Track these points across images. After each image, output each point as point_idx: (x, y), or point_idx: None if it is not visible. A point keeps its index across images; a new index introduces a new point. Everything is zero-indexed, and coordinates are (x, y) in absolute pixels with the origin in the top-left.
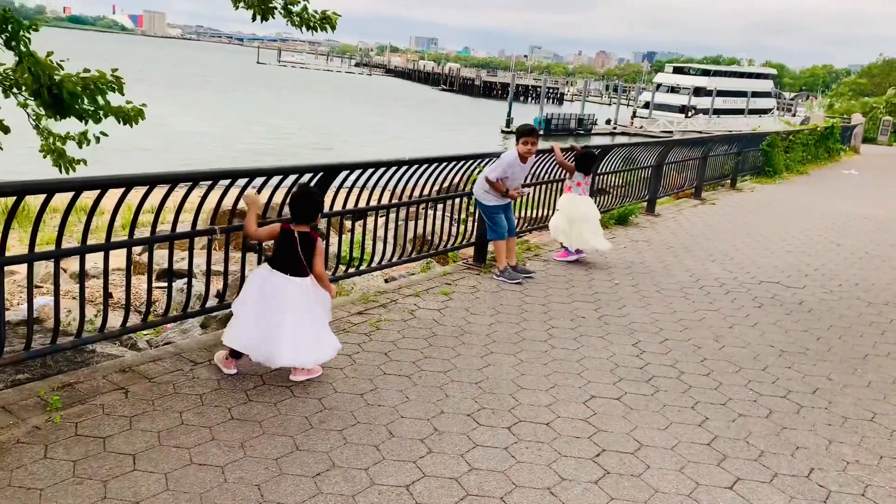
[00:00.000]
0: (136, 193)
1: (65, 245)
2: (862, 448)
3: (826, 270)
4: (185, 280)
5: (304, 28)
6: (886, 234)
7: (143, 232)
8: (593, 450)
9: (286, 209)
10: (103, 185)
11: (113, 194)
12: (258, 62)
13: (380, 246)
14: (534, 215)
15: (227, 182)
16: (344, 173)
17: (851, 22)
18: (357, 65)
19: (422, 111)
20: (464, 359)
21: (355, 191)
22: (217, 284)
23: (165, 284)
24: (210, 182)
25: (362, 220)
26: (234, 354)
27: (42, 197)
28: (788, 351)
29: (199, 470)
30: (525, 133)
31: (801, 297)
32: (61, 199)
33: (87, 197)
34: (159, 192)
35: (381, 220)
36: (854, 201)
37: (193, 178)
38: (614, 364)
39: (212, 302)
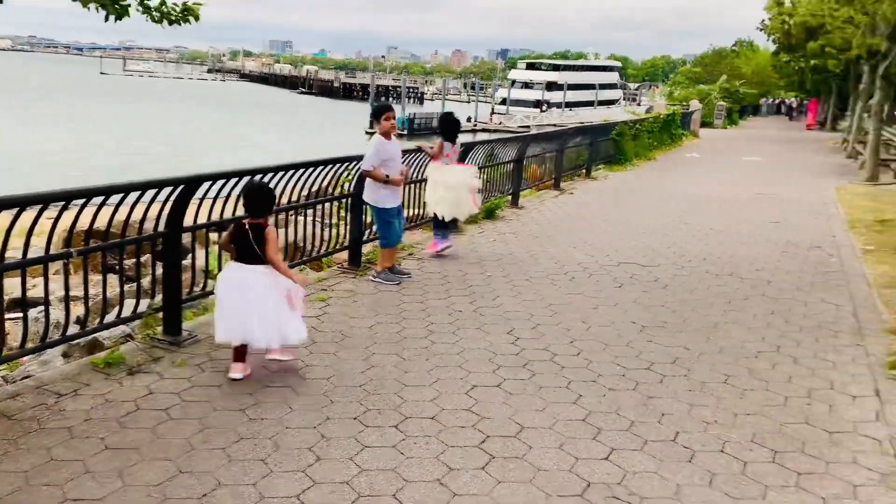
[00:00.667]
0: None
1: None
2: (719, 409)
3: (677, 248)
4: (41, 308)
5: (165, 23)
6: (727, 210)
7: None
8: (478, 437)
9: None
10: None
11: None
12: (101, 72)
13: None
14: (407, 214)
15: (80, 202)
16: (207, 184)
17: (683, 15)
18: (210, 71)
19: (282, 115)
20: (346, 363)
21: (219, 202)
22: (77, 310)
23: (20, 315)
24: (62, 203)
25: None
26: (237, 358)
27: None
28: (649, 326)
29: None
30: (384, 109)
31: (657, 275)
32: None
33: None
34: (5, 216)
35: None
36: (697, 182)
37: (43, 200)
38: (492, 353)
39: (73, 329)
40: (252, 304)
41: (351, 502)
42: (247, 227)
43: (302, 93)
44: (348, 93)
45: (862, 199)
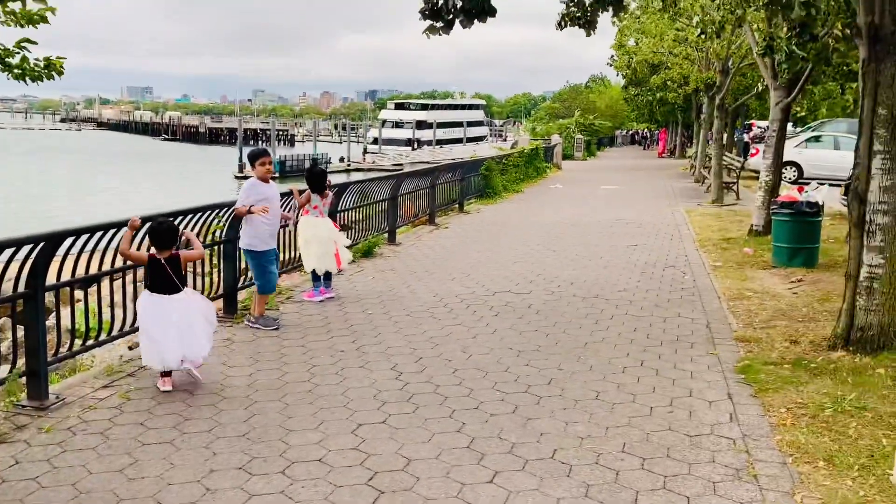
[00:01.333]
0: None
1: None
2: (592, 424)
3: (547, 275)
4: None
5: (27, 80)
6: (589, 236)
7: None
8: (366, 475)
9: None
10: None
11: None
12: None
13: (119, 312)
14: (282, 258)
15: None
16: (69, 240)
17: (537, 53)
18: (63, 120)
19: (146, 164)
20: (227, 413)
21: (84, 256)
22: None
23: None
24: None
25: (95, 287)
26: (165, 373)
27: None
28: (524, 350)
29: None
30: (259, 154)
31: (529, 301)
32: None
33: None
34: None
35: (116, 284)
36: (562, 211)
37: None
38: (377, 390)
39: None
40: (175, 332)
41: None
42: (162, 261)
43: (165, 139)
44: (215, 138)
45: (709, 219)
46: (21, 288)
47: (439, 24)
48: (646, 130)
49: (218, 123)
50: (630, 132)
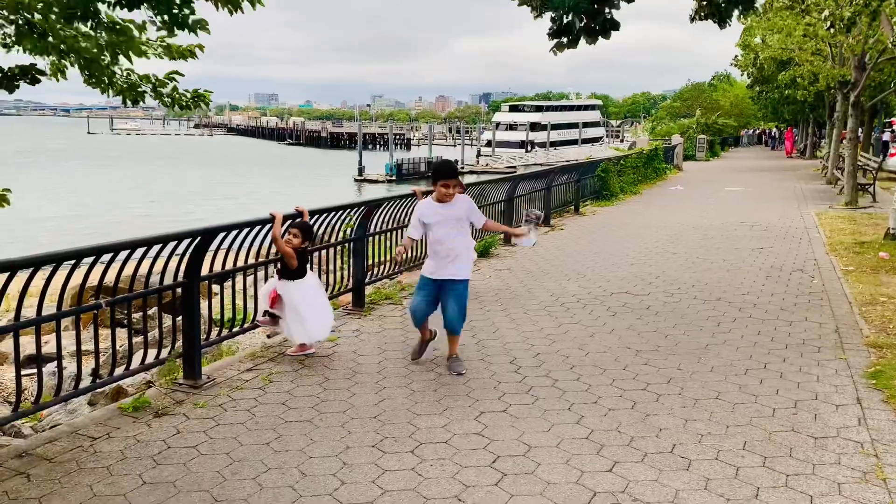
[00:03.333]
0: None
1: None
2: (712, 422)
3: (666, 277)
4: (56, 363)
5: (177, 107)
6: (712, 239)
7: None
8: (489, 458)
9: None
10: None
11: None
12: (89, 132)
13: (252, 304)
14: (409, 256)
15: (108, 257)
16: (221, 235)
17: (659, 52)
18: (196, 126)
19: (274, 168)
20: (359, 397)
21: (221, 252)
22: (90, 363)
23: (35, 370)
24: (93, 258)
25: (231, 282)
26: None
27: None
28: (643, 350)
29: None
30: (440, 175)
31: (648, 303)
32: None
33: None
34: (20, 276)
35: (249, 280)
36: (682, 213)
37: (52, 260)
38: (497, 381)
39: (87, 381)
40: (311, 310)
41: None
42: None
43: (290, 144)
44: (336, 142)
45: (842, 222)
46: (180, 278)
47: (565, 41)
48: (774, 130)
49: (338, 128)
50: (757, 131)
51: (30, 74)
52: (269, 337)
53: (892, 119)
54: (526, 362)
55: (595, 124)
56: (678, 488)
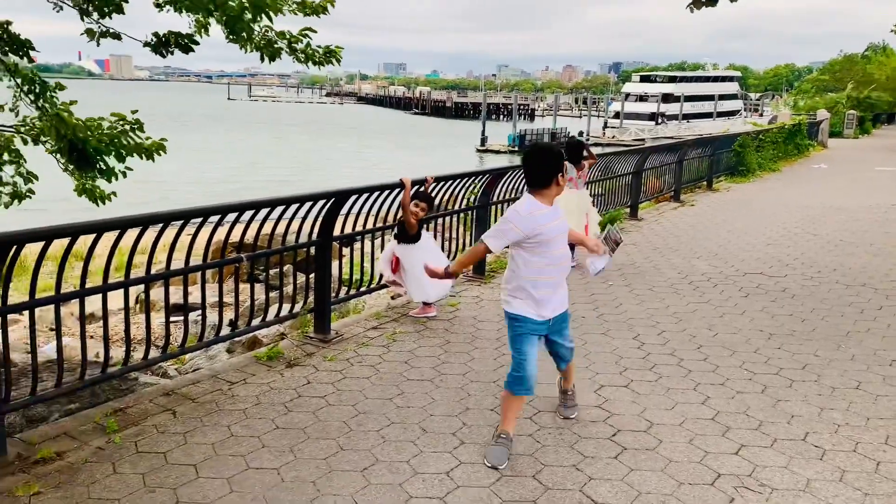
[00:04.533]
0: (133, 234)
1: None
2: (850, 412)
3: (805, 259)
4: (199, 311)
5: (310, 64)
6: (858, 222)
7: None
8: (609, 431)
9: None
10: (147, 221)
11: (127, 236)
12: (229, 98)
13: (377, 266)
14: None
15: (249, 215)
16: (353, 197)
17: (807, 21)
18: (328, 94)
19: (399, 136)
20: (479, 361)
21: (350, 218)
22: (229, 314)
23: (181, 318)
24: (236, 213)
25: (360, 244)
26: (427, 304)
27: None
28: (777, 334)
29: (256, 473)
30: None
31: (784, 285)
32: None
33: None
34: (167, 231)
35: (377, 242)
36: (826, 193)
37: (200, 214)
38: (618, 356)
39: (225, 330)
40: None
41: (494, 480)
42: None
43: (416, 113)
44: (460, 112)
45: None
46: (314, 237)
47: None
48: None
49: (463, 98)
50: None
51: (183, 42)
52: (392, 298)
53: None
54: (650, 339)
55: (732, 97)
56: (810, 477)
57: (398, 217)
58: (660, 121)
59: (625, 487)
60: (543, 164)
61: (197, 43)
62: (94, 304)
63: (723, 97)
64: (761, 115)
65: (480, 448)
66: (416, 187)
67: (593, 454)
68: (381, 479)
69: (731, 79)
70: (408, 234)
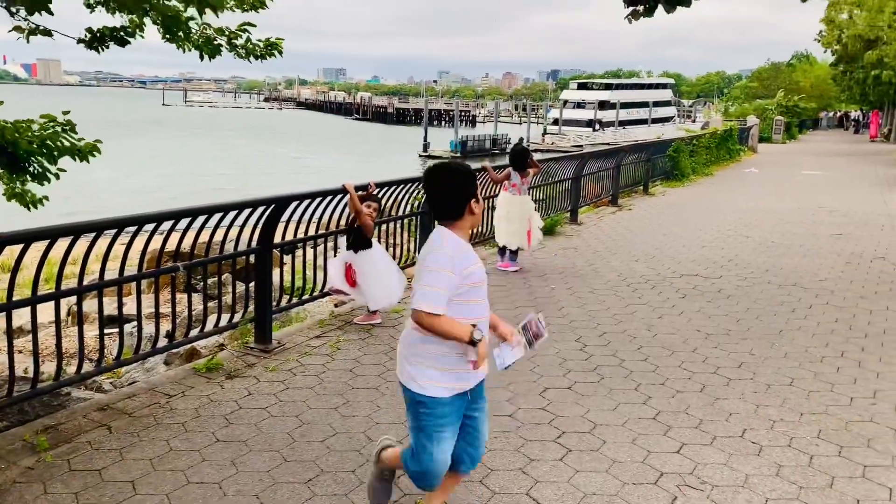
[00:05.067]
0: (64, 244)
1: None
2: (785, 408)
3: (738, 260)
4: (134, 323)
5: (251, 59)
6: (788, 223)
7: (73, 283)
8: (554, 433)
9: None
10: (77, 230)
11: (46, 246)
12: (164, 104)
13: (321, 274)
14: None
15: (186, 223)
16: (294, 204)
17: (737, 30)
18: (266, 99)
19: (339, 142)
20: None
21: (291, 225)
22: (166, 325)
23: (116, 330)
24: (172, 221)
25: (302, 251)
26: (372, 312)
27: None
28: (713, 333)
29: (198, 488)
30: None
31: (720, 286)
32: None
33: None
34: (88, 240)
35: (319, 249)
36: (757, 197)
37: (135, 222)
38: (562, 358)
39: (162, 342)
40: (386, 278)
41: None
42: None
43: (356, 119)
44: (402, 118)
45: None
46: (254, 245)
47: (641, 9)
48: (857, 113)
49: (405, 104)
50: (838, 114)
51: (118, 35)
52: (336, 306)
53: None
54: (592, 341)
55: (666, 104)
56: (748, 473)
57: (351, 223)
58: (597, 127)
59: (570, 489)
60: (453, 189)
61: (133, 35)
62: (22, 317)
63: (657, 104)
64: (694, 121)
65: None
66: (359, 192)
67: (539, 457)
68: (326, 489)
69: (664, 86)
70: (365, 240)
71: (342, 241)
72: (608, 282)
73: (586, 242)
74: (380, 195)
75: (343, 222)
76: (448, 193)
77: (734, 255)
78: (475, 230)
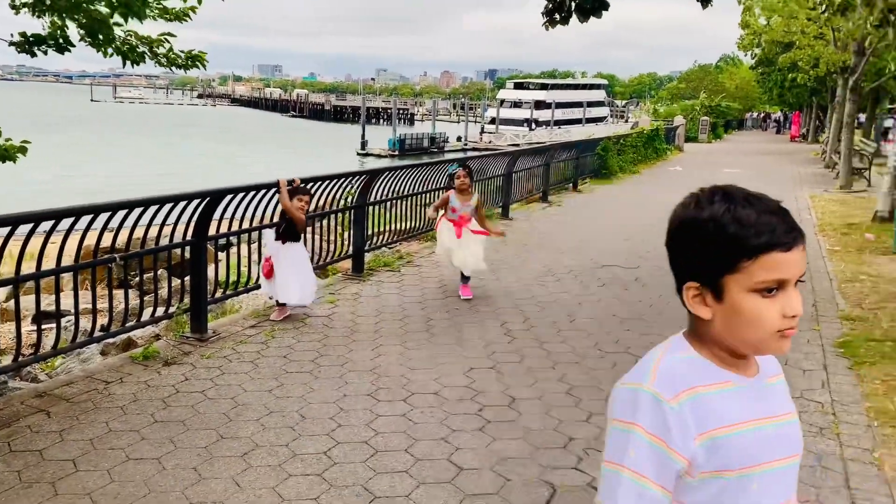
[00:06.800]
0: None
1: None
2: None
3: (657, 252)
4: (71, 315)
5: (173, 68)
6: None
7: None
8: (475, 407)
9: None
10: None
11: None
12: (92, 100)
13: (255, 270)
14: (406, 227)
15: (106, 216)
16: (228, 197)
17: (673, 33)
18: (200, 96)
19: (276, 140)
20: (357, 353)
21: (225, 222)
22: (102, 319)
23: (53, 323)
24: (109, 214)
25: (236, 244)
26: (279, 304)
27: None
28: (628, 318)
29: (137, 464)
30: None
31: (637, 275)
32: None
33: None
34: (36, 234)
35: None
36: (680, 193)
37: (71, 214)
38: (486, 342)
39: (100, 332)
40: (304, 274)
41: (369, 456)
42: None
43: (293, 116)
44: (339, 115)
45: (834, 204)
46: (189, 237)
47: (558, 18)
48: (779, 114)
49: (342, 102)
50: (762, 115)
51: (57, 42)
52: (270, 298)
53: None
54: (516, 326)
55: (599, 104)
56: None
57: (282, 214)
58: (533, 127)
59: (488, 454)
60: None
61: (68, 41)
62: None
63: (591, 104)
64: (626, 121)
65: (356, 429)
66: (289, 186)
67: (460, 427)
68: (261, 461)
69: (598, 86)
70: (294, 233)
71: (269, 233)
72: (535, 273)
73: (516, 237)
74: (312, 190)
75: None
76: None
77: (653, 246)
78: (411, 226)
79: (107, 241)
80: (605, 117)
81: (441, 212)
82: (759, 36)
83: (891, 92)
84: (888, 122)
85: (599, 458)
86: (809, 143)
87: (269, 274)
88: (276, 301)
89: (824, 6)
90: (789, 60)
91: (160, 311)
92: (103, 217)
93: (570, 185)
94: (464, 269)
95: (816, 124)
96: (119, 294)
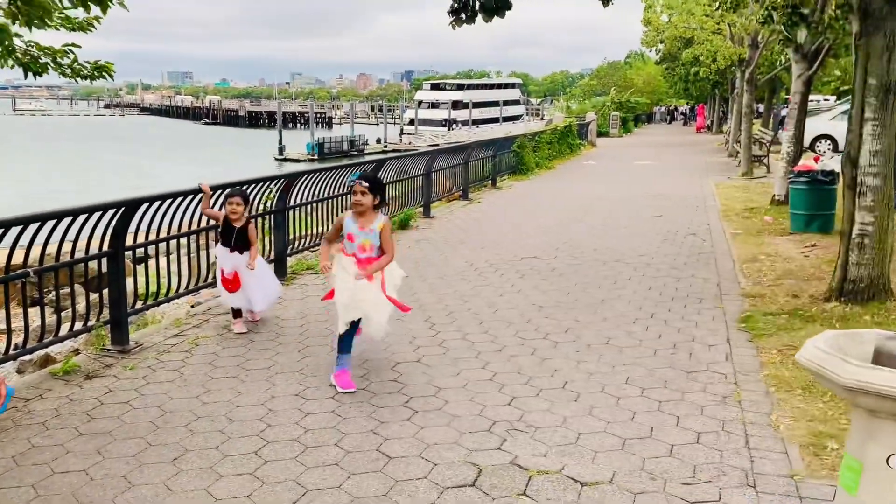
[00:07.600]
0: None
1: None
2: (601, 363)
3: (572, 243)
4: None
5: (78, 79)
6: (617, 209)
7: None
8: (403, 399)
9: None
10: None
11: None
12: None
13: (175, 279)
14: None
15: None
16: (145, 206)
17: (580, 31)
18: (107, 106)
19: (190, 148)
20: (283, 356)
21: (144, 225)
22: (17, 338)
23: None
24: (20, 227)
25: (154, 253)
26: (236, 315)
27: None
28: (545, 306)
29: (64, 476)
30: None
31: (554, 266)
32: None
33: None
34: None
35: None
36: (593, 186)
37: None
38: (412, 337)
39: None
40: (267, 279)
41: (300, 453)
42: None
43: (206, 123)
44: (254, 121)
45: (736, 191)
46: (105, 248)
47: (463, 17)
48: (685, 107)
49: (257, 107)
50: (669, 108)
51: None
52: (192, 306)
53: (789, 96)
54: (440, 320)
55: (515, 102)
56: (566, 415)
57: (224, 222)
58: (451, 127)
59: (416, 442)
60: None
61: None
62: None
63: (507, 103)
64: (542, 118)
65: (285, 428)
66: (227, 189)
67: (388, 419)
68: (191, 465)
69: (513, 85)
70: (247, 241)
71: (219, 248)
72: (456, 268)
73: (438, 234)
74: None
75: (195, 223)
76: None
77: (569, 238)
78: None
79: (18, 258)
80: (522, 115)
81: (337, 244)
82: (662, 32)
83: (784, 83)
84: (784, 112)
85: (521, 438)
86: (714, 134)
87: (234, 287)
88: (239, 312)
89: (717, 3)
90: (691, 55)
91: (79, 324)
92: (14, 232)
93: (490, 182)
94: (365, 326)
95: (720, 116)
96: (34, 310)
